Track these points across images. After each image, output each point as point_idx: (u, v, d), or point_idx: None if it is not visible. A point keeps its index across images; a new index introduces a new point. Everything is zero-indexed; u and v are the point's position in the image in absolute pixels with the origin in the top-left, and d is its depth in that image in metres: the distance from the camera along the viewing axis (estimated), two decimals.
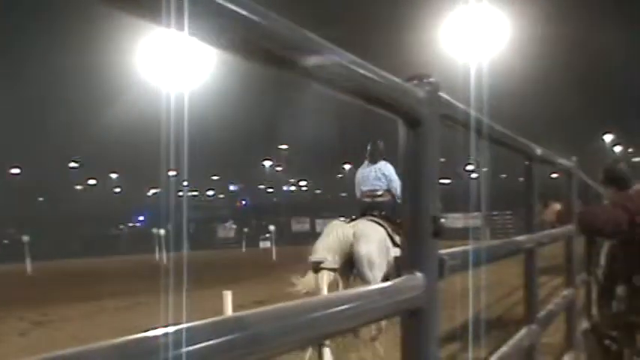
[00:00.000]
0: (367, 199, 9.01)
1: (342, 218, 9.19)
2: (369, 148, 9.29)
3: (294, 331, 1.28)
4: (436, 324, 1.95)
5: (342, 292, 1.56)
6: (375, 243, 8.11)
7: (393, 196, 8.93)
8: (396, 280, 1.84)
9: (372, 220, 8.46)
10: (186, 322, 1.06)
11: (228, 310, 5.92)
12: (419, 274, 1.86)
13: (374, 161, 9.22)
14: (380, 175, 9.16)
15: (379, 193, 9.01)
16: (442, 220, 1.92)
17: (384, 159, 9.14)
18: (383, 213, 8.68)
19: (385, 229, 8.42)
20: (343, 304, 1.48)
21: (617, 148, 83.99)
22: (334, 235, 8.09)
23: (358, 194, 9.46)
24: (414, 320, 1.87)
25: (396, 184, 8.84)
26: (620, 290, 5.64)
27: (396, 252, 7.84)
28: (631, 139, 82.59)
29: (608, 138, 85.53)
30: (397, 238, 8.01)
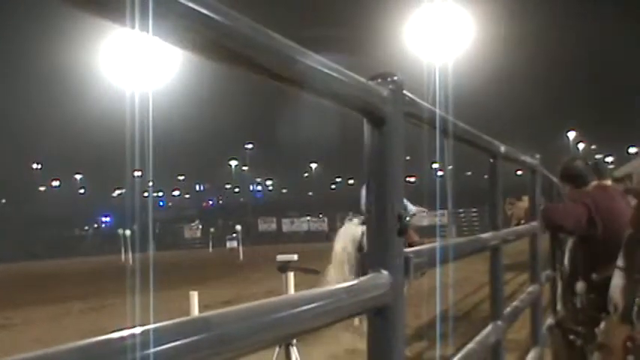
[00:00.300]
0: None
1: (355, 220, 10.99)
2: None
3: (261, 331, 1.28)
4: (402, 322, 1.96)
5: (309, 291, 1.55)
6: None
7: None
8: (362, 279, 1.85)
9: None
10: (153, 323, 1.06)
11: (195, 311, 5.89)
12: (385, 273, 1.87)
13: None
14: None
15: None
16: (407, 218, 1.93)
17: None
18: None
19: None
20: (310, 303, 1.48)
21: (581, 145, 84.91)
22: (347, 235, 10.32)
23: (363, 206, 9.68)
24: (380, 318, 1.88)
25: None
26: (579, 286, 5.71)
27: None
28: (594, 136, 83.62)
29: (571, 135, 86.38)
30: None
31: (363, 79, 1.83)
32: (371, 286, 1.82)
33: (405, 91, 2.04)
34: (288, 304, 1.43)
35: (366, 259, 1.92)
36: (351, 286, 1.74)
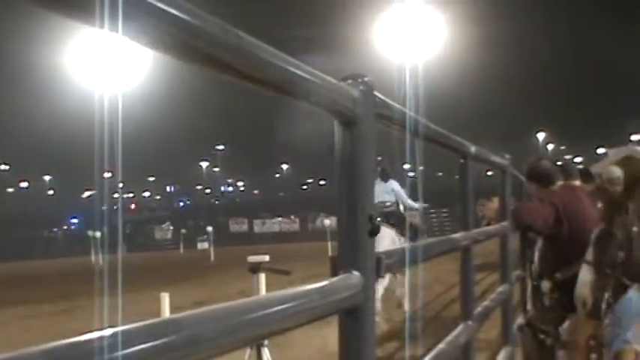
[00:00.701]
0: (379, 209, 11.10)
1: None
2: (380, 169, 11.85)
3: (232, 332, 1.28)
4: (373, 322, 1.96)
5: (280, 291, 1.56)
6: (387, 239, 10.46)
7: (398, 207, 12.14)
8: (333, 280, 1.85)
9: (383, 224, 10.39)
10: (123, 324, 1.05)
11: (166, 312, 5.86)
12: (356, 273, 1.87)
13: (385, 180, 11.95)
14: (390, 191, 12.09)
15: (388, 204, 11.92)
16: (378, 219, 1.94)
17: (390, 178, 12.07)
18: (391, 219, 11.49)
19: (393, 230, 11.36)
20: (281, 304, 1.48)
21: (550, 146, 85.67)
22: None
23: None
24: (351, 319, 1.89)
25: (402, 196, 12.20)
26: (544, 285, 5.75)
27: (400, 241, 10.98)
28: (564, 137, 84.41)
29: (541, 136, 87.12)
30: (402, 238, 11.13)
31: (333, 80, 1.83)
32: (342, 286, 1.83)
33: (375, 92, 2.05)
34: (260, 304, 1.43)
35: (336, 261, 1.93)
36: (323, 286, 1.75)
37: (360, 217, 1.90)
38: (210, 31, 1.24)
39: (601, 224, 4.69)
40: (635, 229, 4.56)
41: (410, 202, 12.53)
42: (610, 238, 4.59)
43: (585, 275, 4.66)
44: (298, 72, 1.60)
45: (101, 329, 1.02)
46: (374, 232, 1.92)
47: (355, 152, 1.91)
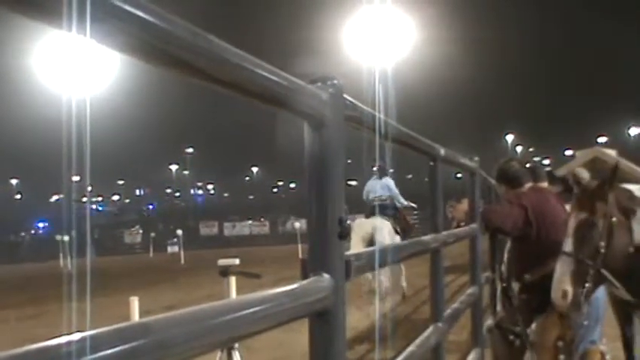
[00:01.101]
0: (376, 202, 12.94)
1: (362, 218, 13.19)
2: (376, 167, 13.17)
3: (201, 336, 1.27)
4: (343, 325, 1.97)
5: (250, 295, 1.55)
6: (385, 230, 12.23)
7: (392, 201, 13.26)
8: (303, 282, 1.85)
9: (381, 217, 12.54)
10: (92, 329, 1.04)
11: (135, 317, 5.82)
12: (326, 276, 1.88)
13: (380, 177, 13.31)
14: (384, 186, 13.32)
15: (384, 198, 13.16)
16: (348, 221, 1.94)
17: (386, 175, 13.39)
18: (387, 212, 12.83)
19: (390, 222, 12.66)
20: (250, 307, 1.47)
21: (519, 148, 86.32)
22: (360, 231, 12.14)
23: (367, 198, 13.42)
24: (321, 322, 1.89)
25: (395, 193, 13.39)
26: (513, 287, 5.79)
27: (397, 239, 12.04)
28: (532, 139, 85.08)
29: (510, 138, 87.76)
30: (398, 229, 12.62)
31: (302, 83, 1.83)
32: (312, 289, 1.83)
33: (344, 95, 2.05)
34: (229, 308, 1.43)
35: (306, 264, 1.93)
36: (293, 289, 1.75)
37: (330, 220, 1.91)
38: (179, 34, 1.24)
39: (581, 214, 4.64)
40: (614, 219, 4.56)
41: (402, 199, 13.59)
42: (591, 227, 4.57)
43: (564, 267, 4.57)
44: (267, 75, 1.60)
45: (69, 334, 1.01)
46: (344, 234, 1.93)
47: (324, 155, 1.91)
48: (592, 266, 4.53)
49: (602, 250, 4.52)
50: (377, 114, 2.57)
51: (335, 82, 1.97)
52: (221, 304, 1.45)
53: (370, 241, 11.87)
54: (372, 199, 13.23)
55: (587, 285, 4.53)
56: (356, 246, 11.38)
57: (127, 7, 1.08)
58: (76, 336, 1.00)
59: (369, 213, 12.95)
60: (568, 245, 4.60)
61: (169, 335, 1.17)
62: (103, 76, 32.22)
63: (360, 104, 2.32)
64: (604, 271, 4.59)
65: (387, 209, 12.95)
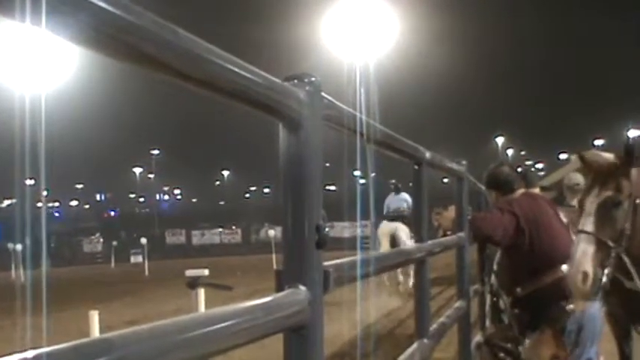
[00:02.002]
0: (396, 213, 16.98)
1: (385, 221, 17.03)
2: (393, 184, 17.73)
3: (168, 352, 1.27)
4: (321, 340, 1.97)
5: (220, 308, 1.55)
6: (404, 232, 16.04)
7: (409, 211, 16.29)
8: (278, 295, 1.84)
9: (401, 222, 16.63)
10: (47, 346, 1.04)
11: (95, 332, 5.80)
12: (302, 288, 1.87)
13: (397, 192, 17.45)
14: (402, 200, 17.22)
15: (402, 209, 16.99)
16: (326, 229, 1.94)
17: (401, 191, 17.44)
18: (405, 220, 16.50)
19: (407, 227, 15.97)
20: (220, 322, 1.47)
21: (510, 151, 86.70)
22: (386, 230, 16.36)
23: (387, 211, 17.29)
24: (297, 337, 1.89)
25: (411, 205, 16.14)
26: (504, 301, 5.81)
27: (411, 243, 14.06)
28: (524, 142, 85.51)
29: (500, 141, 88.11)
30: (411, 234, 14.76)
31: (277, 80, 1.83)
32: (288, 302, 1.83)
33: (323, 93, 2.05)
34: (198, 322, 1.42)
35: (281, 275, 1.93)
36: (266, 302, 1.74)
37: (307, 228, 1.90)
38: (142, 26, 1.23)
39: (604, 191, 4.49)
40: (639, 200, 4.45)
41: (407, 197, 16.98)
42: (616, 207, 4.43)
43: (584, 246, 4.34)
44: (239, 71, 1.60)
45: (22, 351, 1.00)
46: (321, 243, 1.93)
47: (301, 157, 1.91)
48: (614, 249, 4.36)
49: (628, 232, 4.38)
50: (358, 114, 2.57)
51: (313, 79, 1.97)
52: (189, 318, 1.45)
53: (393, 239, 16.01)
54: (393, 211, 17.12)
55: (607, 270, 4.35)
56: (384, 241, 16.09)
57: None
58: (30, 353, 1.00)
59: (390, 219, 16.96)
60: (589, 224, 4.41)
61: (133, 352, 1.16)
62: (59, 71, 32.00)
63: (339, 104, 2.32)
64: (624, 257, 4.46)
65: (405, 217, 16.69)
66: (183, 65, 1.40)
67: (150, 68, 1.34)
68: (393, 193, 17.53)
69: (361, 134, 2.63)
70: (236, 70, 1.58)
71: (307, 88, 1.94)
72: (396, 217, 16.95)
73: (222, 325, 1.47)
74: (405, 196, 16.99)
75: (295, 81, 1.94)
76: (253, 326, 1.61)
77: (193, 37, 1.41)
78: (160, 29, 1.28)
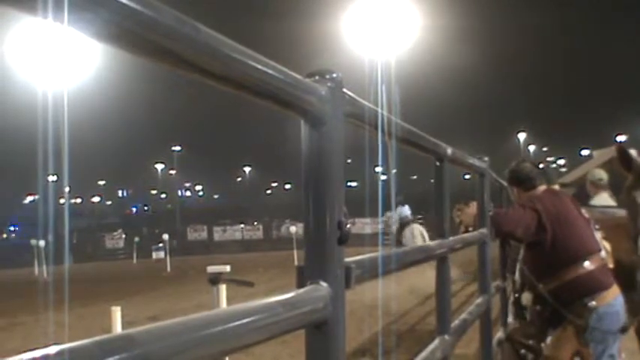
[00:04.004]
0: (407, 219, 18.76)
1: (417, 224, 19.21)
2: (397, 200, 19.06)
3: (191, 348, 1.27)
4: (343, 337, 1.97)
5: (242, 305, 1.55)
6: (425, 233, 18.01)
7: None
8: (300, 291, 1.84)
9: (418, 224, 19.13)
10: (70, 342, 1.04)
11: (117, 328, 5.82)
12: (324, 284, 1.87)
13: (403, 205, 18.95)
14: (407, 210, 18.91)
15: (410, 217, 18.96)
16: (348, 225, 1.94)
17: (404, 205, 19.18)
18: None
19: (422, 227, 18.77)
20: (244, 318, 1.47)
21: (532, 148, 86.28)
22: (416, 230, 18.25)
23: (400, 217, 18.68)
24: (319, 334, 1.88)
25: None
26: (525, 297, 5.79)
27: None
28: (546, 138, 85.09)
29: (522, 137, 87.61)
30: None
31: (299, 77, 1.83)
32: (310, 298, 1.82)
33: (345, 90, 2.05)
34: (220, 318, 1.42)
35: (303, 271, 1.92)
36: (288, 299, 1.74)
37: (329, 224, 1.90)
38: (164, 22, 1.23)
39: None
40: None
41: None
42: None
43: None
44: (260, 67, 1.59)
45: (45, 347, 1.01)
46: (343, 239, 1.92)
47: (323, 154, 1.90)
48: None
49: None
50: (380, 110, 2.57)
51: (334, 75, 1.96)
52: (211, 314, 1.45)
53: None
54: (404, 217, 18.80)
55: None
56: (419, 240, 17.66)
57: None
58: (53, 349, 1.00)
59: (406, 224, 18.89)
60: None
61: (155, 348, 1.16)
62: (82, 68, 32.18)
63: (361, 100, 2.32)
64: None
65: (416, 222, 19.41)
66: (205, 62, 1.40)
67: (172, 64, 1.34)
68: (400, 205, 19.45)
69: (383, 130, 2.62)
70: (258, 66, 1.57)
71: (329, 84, 1.93)
72: (410, 221, 19.34)
73: (245, 320, 1.47)
74: (407, 207, 19.39)
75: (317, 77, 1.93)
76: (275, 322, 1.61)
77: (215, 33, 1.40)
78: (181, 25, 1.28)
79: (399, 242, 18.98)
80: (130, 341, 1.11)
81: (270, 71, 1.63)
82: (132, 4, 1.12)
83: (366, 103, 2.39)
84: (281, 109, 1.80)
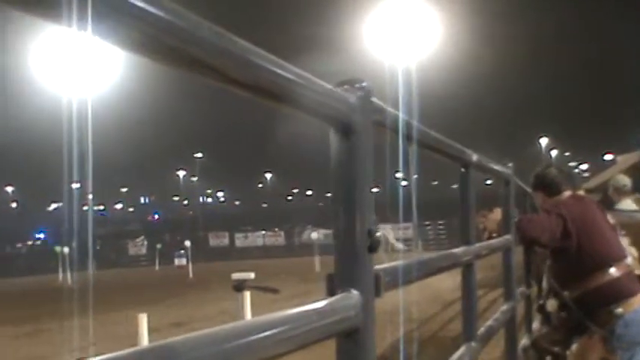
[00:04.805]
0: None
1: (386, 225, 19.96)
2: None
3: (229, 357, 1.28)
4: (373, 345, 1.97)
5: (277, 313, 1.56)
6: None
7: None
8: (331, 299, 1.85)
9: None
10: (95, 348, 1.05)
11: (144, 335, 5.84)
12: (354, 292, 1.87)
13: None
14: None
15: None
16: (378, 233, 1.94)
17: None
18: None
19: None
20: (279, 326, 1.47)
21: (554, 153, 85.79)
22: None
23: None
24: (349, 342, 1.89)
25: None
26: (550, 304, 5.76)
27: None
28: (568, 142, 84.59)
29: (544, 142, 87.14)
30: None
31: (329, 86, 1.84)
32: (340, 307, 1.82)
33: (373, 99, 2.06)
34: (257, 327, 1.42)
35: (333, 279, 1.93)
36: (321, 307, 1.75)
37: (359, 232, 1.91)
38: (191, 31, 1.22)
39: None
40: None
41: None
42: None
43: None
44: (290, 76, 1.59)
45: (82, 358, 1.01)
46: (373, 247, 1.93)
47: (353, 162, 1.91)
48: None
49: None
50: (407, 118, 2.57)
51: (364, 84, 1.97)
52: (247, 322, 1.46)
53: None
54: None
55: None
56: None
57: (137, 3, 1.07)
58: None
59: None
60: None
61: (194, 357, 1.16)
62: (105, 76, 32.33)
63: (388, 108, 2.33)
64: None
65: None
66: (233, 70, 1.39)
67: (198, 73, 1.32)
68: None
69: (410, 138, 2.63)
70: (286, 74, 1.58)
71: (359, 93, 1.94)
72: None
73: (281, 329, 1.48)
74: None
75: (346, 86, 1.95)
76: (308, 330, 1.62)
77: (244, 41, 1.40)
78: (208, 33, 1.27)
79: None
80: (171, 351, 1.12)
81: (299, 80, 1.63)
82: (158, 12, 1.11)
83: (394, 111, 2.40)
84: (308, 118, 1.81)
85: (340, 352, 1.91)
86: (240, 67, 1.41)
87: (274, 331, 1.47)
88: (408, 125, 2.61)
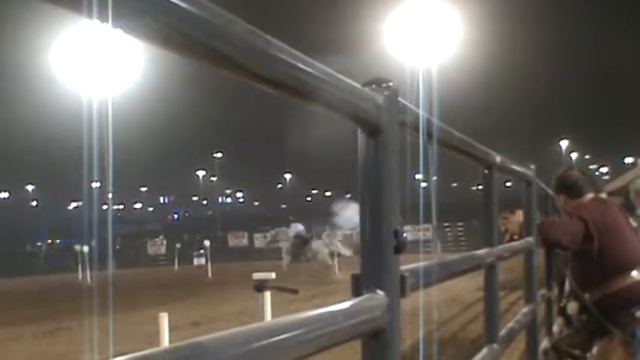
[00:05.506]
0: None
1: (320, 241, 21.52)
2: None
3: (259, 356, 1.27)
4: (398, 346, 1.96)
5: (305, 313, 1.55)
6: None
7: None
8: (358, 300, 1.84)
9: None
10: (116, 347, 1.05)
11: (165, 334, 5.85)
12: (381, 293, 1.87)
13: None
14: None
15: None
16: (404, 234, 1.94)
17: None
18: None
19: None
20: (307, 326, 1.47)
21: (574, 155, 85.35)
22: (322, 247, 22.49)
23: None
24: (375, 343, 1.88)
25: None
26: (571, 306, 5.73)
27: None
28: (588, 145, 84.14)
29: (564, 144, 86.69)
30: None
31: (357, 85, 1.83)
32: (367, 307, 1.82)
33: (400, 98, 2.05)
34: (286, 326, 1.42)
35: (359, 279, 1.93)
36: (348, 307, 1.74)
37: (385, 233, 1.90)
38: (218, 25, 1.21)
39: None
40: None
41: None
42: None
43: None
44: (318, 74, 1.58)
45: (115, 357, 1.01)
46: (400, 248, 1.92)
47: (380, 162, 1.90)
48: None
49: None
50: (432, 118, 2.57)
51: (391, 84, 1.96)
52: (276, 322, 1.45)
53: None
54: (298, 234, 21.26)
55: None
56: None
57: None
58: (123, 358, 1.00)
59: (307, 240, 21.97)
60: None
61: (226, 356, 1.16)
62: (125, 75, 32.40)
63: (414, 108, 2.32)
64: None
65: None
66: (262, 67, 1.38)
67: (222, 68, 1.30)
68: (293, 223, 21.65)
69: (435, 139, 2.62)
70: (317, 74, 1.57)
71: (386, 92, 1.93)
72: (309, 238, 22.42)
73: (306, 329, 1.47)
74: (300, 224, 21.31)
75: (374, 86, 1.94)
76: (336, 330, 1.61)
77: (272, 38, 1.38)
78: (235, 28, 1.25)
79: (296, 256, 20.79)
80: (203, 349, 1.12)
81: (328, 79, 1.63)
82: (182, 5, 1.09)
83: (419, 111, 2.39)
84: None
85: (366, 352, 1.91)
86: (270, 64, 1.40)
87: (300, 331, 1.46)
88: (435, 126, 2.60)
